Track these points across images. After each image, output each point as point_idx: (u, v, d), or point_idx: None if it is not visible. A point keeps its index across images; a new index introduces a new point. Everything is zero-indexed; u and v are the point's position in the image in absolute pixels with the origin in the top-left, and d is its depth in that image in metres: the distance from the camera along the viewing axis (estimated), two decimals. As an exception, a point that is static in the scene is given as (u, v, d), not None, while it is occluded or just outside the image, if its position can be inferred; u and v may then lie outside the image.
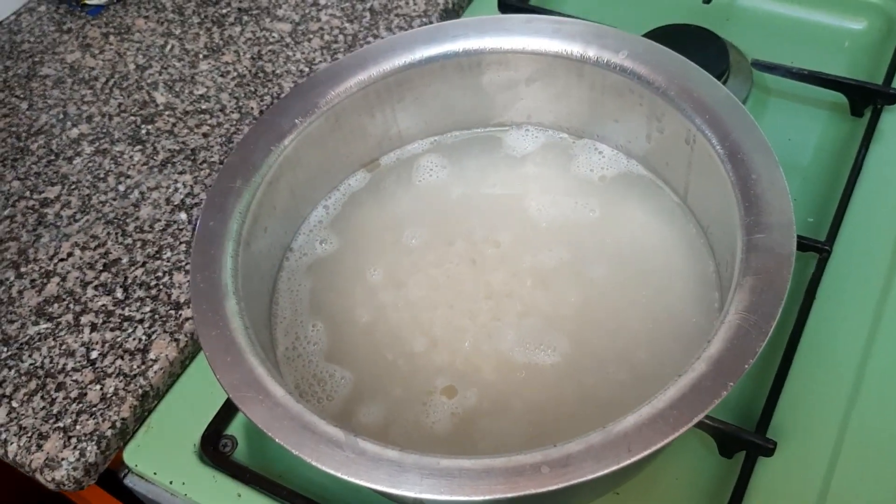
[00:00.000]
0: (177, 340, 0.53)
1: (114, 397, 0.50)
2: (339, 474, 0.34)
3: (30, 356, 0.53)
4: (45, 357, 0.53)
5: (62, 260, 0.58)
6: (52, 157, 0.65)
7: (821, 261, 0.51)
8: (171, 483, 0.48)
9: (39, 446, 0.49)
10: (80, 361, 0.52)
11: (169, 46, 0.72)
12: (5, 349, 0.54)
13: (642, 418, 0.34)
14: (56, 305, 0.55)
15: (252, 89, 0.67)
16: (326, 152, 0.51)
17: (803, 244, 0.51)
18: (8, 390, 0.52)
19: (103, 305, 0.55)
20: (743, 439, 0.44)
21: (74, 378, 0.52)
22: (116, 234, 0.59)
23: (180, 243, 0.58)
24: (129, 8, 0.76)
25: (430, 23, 0.70)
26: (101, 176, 0.63)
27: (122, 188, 0.62)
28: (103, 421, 0.49)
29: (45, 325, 0.54)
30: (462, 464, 0.33)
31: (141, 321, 0.54)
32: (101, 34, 0.74)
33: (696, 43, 0.61)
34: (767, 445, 0.43)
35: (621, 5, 0.70)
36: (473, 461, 0.33)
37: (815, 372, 0.48)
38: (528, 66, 0.50)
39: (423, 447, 0.42)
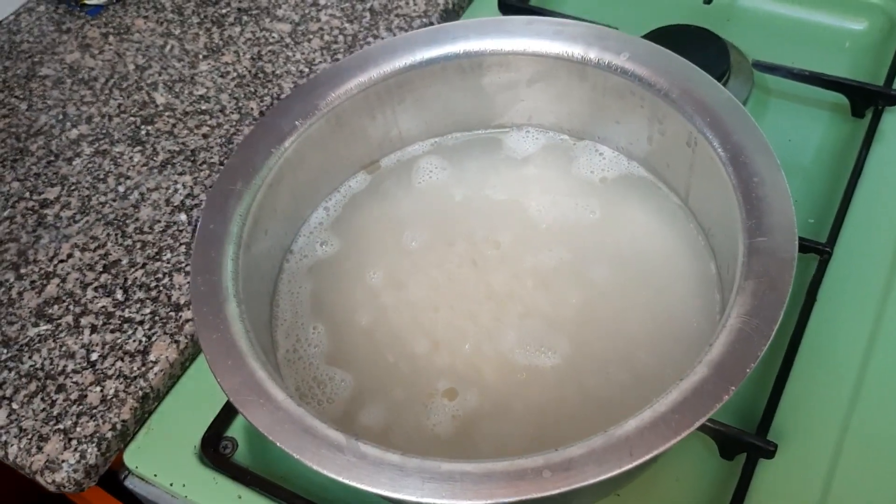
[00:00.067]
0: (177, 342, 0.53)
1: (114, 399, 0.50)
2: (340, 479, 0.34)
3: (30, 358, 0.53)
4: (45, 359, 0.53)
5: (62, 261, 0.58)
6: (52, 158, 0.64)
7: (822, 262, 0.51)
8: (171, 485, 0.48)
9: (40, 448, 0.49)
10: (80, 363, 0.52)
11: (168, 47, 0.72)
12: (5, 351, 0.54)
13: (644, 422, 0.34)
14: (56, 307, 0.55)
15: (252, 90, 0.67)
16: (327, 154, 0.51)
17: (804, 246, 0.51)
18: (8, 392, 0.52)
19: (103, 307, 0.55)
20: (744, 441, 0.44)
21: (75, 380, 0.52)
22: (116, 235, 0.59)
23: (180, 244, 0.58)
24: (128, 8, 0.76)
25: (431, 23, 0.69)
26: (101, 177, 0.63)
27: (121, 189, 0.62)
28: (104, 423, 0.49)
29: (45, 327, 0.54)
30: (464, 468, 0.33)
31: (141, 323, 0.54)
32: (100, 34, 0.74)
33: (697, 43, 0.61)
34: (768, 447, 0.43)
35: (622, 5, 0.70)
36: (475, 465, 0.33)
37: (816, 374, 0.48)
38: (528, 68, 0.50)
39: (425, 449, 0.42)
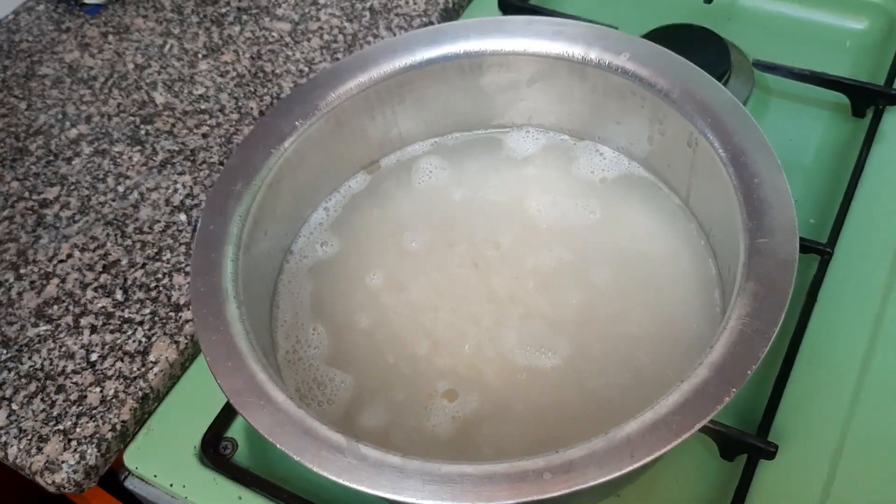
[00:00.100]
0: (177, 342, 0.53)
1: (114, 399, 0.50)
2: (340, 480, 0.34)
3: (29, 358, 0.53)
4: (44, 359, 0.53)
5: (61, 261, 0.58)
6: (51, 158, 0.64)
7: (822, 263, 0.51)
8: (171, 485, 0.48)
9: (39, 449, 0.49)
10: (79, 363, 0.52)
11: (168, 46, 0.72)
12: (5, 351, 0.53)
13: (645, 424, 0.34)
14: (55, 307, 0.55)
15: (251, 89, 0.67)
16: (327, 154, 0.50)
17: (805, 246, 0.50)
18: (8, 392, 0.51)
19: (103, 307, 0.55)
20: (744, 442, 0.44)
21: (74, 380, 0.52)
22: (116, 235, 0.59)
23: (180, 245, 0.58)
24: (127, 7, 0.76)
25: (430, 22, 0.69)
26: (101, 177, 0.62)
27: (121, 189, 0.61)
28: (103, 423, 0.49)
29: (44, 327, 0.54)
30: (464, 469, 0.33)
31: (141, 323, 0.54)
32: (99, 33, 0.74)
33: (698, 43, 0.61)
34: (769, 448, 0.43)
35: (622, 5, 0.70)
36: (476, 467, 0.33)
37: (817, 374, 0.48)
38: (529, 68, 0.50)
39: (425, 451, 0.42)
